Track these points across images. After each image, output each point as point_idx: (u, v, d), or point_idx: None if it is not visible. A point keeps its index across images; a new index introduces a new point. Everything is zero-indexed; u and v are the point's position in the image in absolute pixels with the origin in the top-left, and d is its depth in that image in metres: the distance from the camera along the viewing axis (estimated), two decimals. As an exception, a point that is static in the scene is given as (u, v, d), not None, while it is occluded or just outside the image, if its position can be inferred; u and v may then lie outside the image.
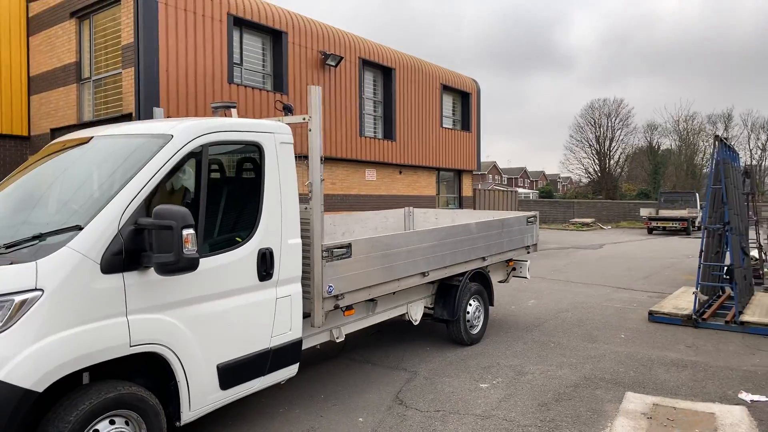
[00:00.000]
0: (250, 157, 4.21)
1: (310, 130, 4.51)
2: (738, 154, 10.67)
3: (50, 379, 2.96)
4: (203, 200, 3.71)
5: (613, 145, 63.67)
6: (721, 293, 9.11)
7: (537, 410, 4.71)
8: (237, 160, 4.28)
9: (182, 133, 3.70)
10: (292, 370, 4.40)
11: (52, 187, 4.02)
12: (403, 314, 6.13)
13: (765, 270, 10.88)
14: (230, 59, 12.83)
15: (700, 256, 7.84)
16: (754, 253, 12.59)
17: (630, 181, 63.86)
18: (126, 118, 11.69)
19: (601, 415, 4.62)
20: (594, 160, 64.56)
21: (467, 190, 22.09)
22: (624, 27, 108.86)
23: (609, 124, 63.11)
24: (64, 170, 4.08)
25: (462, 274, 6.48)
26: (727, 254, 8.42)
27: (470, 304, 6.71)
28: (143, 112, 11.25)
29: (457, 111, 21.60)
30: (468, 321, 6.65)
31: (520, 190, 65.34)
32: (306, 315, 4.54)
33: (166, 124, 3.94)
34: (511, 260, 7.64)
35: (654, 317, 8.01)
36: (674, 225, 29.10)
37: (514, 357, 6.22)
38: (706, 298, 7.96)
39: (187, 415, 3.63)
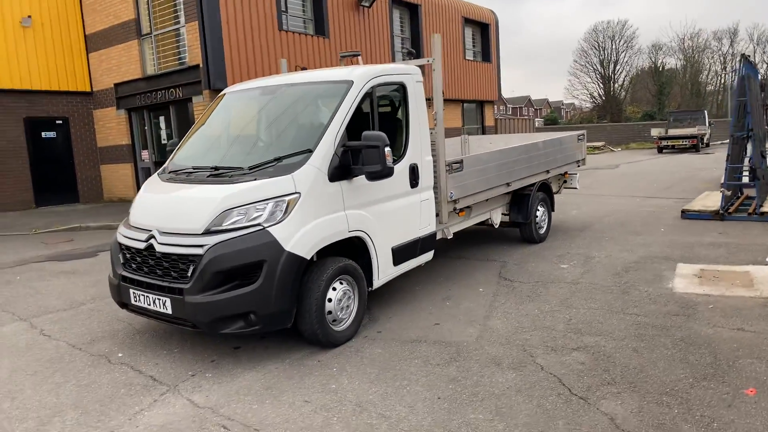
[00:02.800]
0: (398, 93, 5.46)
1: (434, 70, 5.75)
2: (758, 71, 11.74)
3: (312, 252, 4.37)
4: (376, 128, 5.01)
5: (618, 68, 63.74)
6: (740, 194, 10.49)
7: (613, 277, 6.18)
8: (390, 97, 5.53)
9: (359, 78, 4.95)
10: (430, 254, 5.83)
11: (262, 126, 5.30)
12: (487, 219, 7.52)
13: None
14: (278, 7, 13.68)
15: (727, 160, 9.16)
16: None
17: (634, 103, 64.32)
18: (193, 70, 12.72)
19: (662, 277, 6.08)
20: (599, 85, 64.81)
21: (489, 120, 23.15)
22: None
23: (613, 47, 62.92)
24: (268, 112, 5.35)
25: (532, 185, 7.84)
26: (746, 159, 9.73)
27: (538, 210, 8.09)
28: (212, 64, 12.26)
29: (477, 42, 22.32)
30: (537, 223, 8.06)
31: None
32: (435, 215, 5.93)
33: (342, 71, 5.18)
34: (566, 173, 8.98)
35: (686, 215, 9.43)
36: (684, 143, 29.96)
37: (579, 248, 7.68)
38: (729, 194, 9.33)
39: (376, 282, 5.08)
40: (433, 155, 5.80)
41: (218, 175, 4.70)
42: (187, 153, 5.50)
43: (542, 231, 8.21)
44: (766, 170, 9.55)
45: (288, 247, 4.20)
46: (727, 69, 63.85)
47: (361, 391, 3.85)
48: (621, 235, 8.41)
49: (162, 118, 14.17)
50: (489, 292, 5.90)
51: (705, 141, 30.58)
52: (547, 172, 8.14)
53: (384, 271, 5.14)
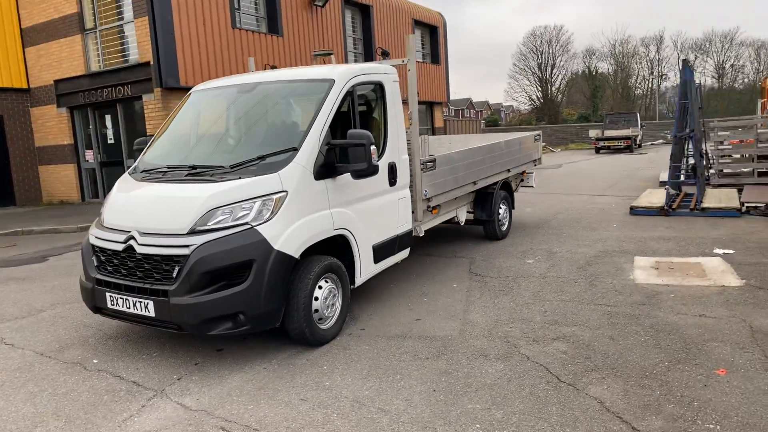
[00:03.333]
0: (376, 93, 5.50)
1: (409, 70, 5.85)
2: (694, 75, 12.55)
3: (300, 250, 4.35)
4: (357, 127, 5.05)
5: (555, 71, 66.30)
6: (679, 191, 11.17)
7: (577, 271, 6.46)
8: (369, 96, 5.56)
9: (340, 77, 4.97)
10: (407, 252, 5.91)
11: (241, 124, 5.22)
12: (453, 217, 7.69)
13: (710, 171, 13.07)
14: (231, 4, 13.44)
15: (671, 159, 9.73)
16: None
17: (570, 106, 66.99)
18: (143, 67, 12.31)
19: (623, 270, 6.41)
20: (537, 87, 67.16)
21: (439, 121, 23.54)
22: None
23: (550, 51, 65.43)
24: (246, 111, 5.27)
25: (495, 184, 8.07)
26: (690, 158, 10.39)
27: (501, 207, 8.34)
28: (163, 61, 11.91)
29: (426, 44, 22.65)
30: (500, 221, 8.30)
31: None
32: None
33: (322, 70, 5.18)
34: (524, 171, 9.29)
35: (634, 211, 9.96)
36: (619, 144, 31.44)
37: (540, 244, 7.97)
38: (673, 192, 9.93)
39: (358, 280, 5.11)
40: (408, 154, 5.88)
41: (197, 174, 4.60)
42: (159, 152, 5.35)
43: (504, 228, 8.46)
44: (704, 168, 10.22)
45: (277, 246, 4.18)
46: (654, 74, 67.68)
47: (356, 387, 3.88)
48: (577, 231, 8.79)
49: (108, 117, 13.62)
50: (463, 288, 6.04)
51: (638, 142, 32.27)
52: (509, 170, 8.40)
53: (366, 268, 5.18)
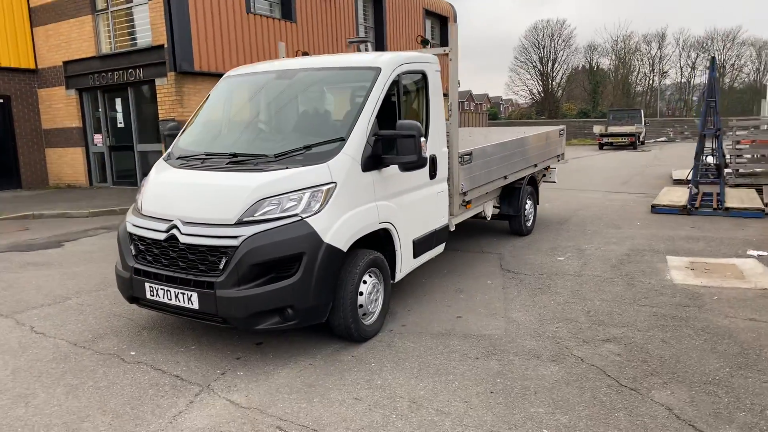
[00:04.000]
0: (419, 83, 5.35)
1: (450, 60, 5.68)
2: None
3: (349, 244, 4.21)
4: (401, 117, 4.89)
5: (556, 66, 66.08)
6: (697, 190, 11.09)
7: (611, 270, 6.36)
8: (413, 86, 5.40)
9: (386, 65, 4.81)
10: (442, 247, 5.78)
11: (283, 112, 5.05)
12: (481, 211, 7.56)
13: (727, 171, 12.99)
14: (246, -12, 13.17)
15: (696, 158, 9.63)
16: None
17: (570, 100, 66.81)
18: (156, 50, 12.08)
19: (658, 269, 6.31)
20: (538, 81, 66.93)
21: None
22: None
23: (552, 45, 65.19)
24: (287, 98, 5.10)
25: (523, 178, 7.94)
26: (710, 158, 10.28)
27: (527, 203, 8.22)
28: (178, 44, 11.69)
29: (436, 35, 22.42)
30: (525, 216, 8.18)
31: (470, 112, 66.82)
32: (446, 207, 5.87)
33: (366, 57, 5.02)
34: (548, 166, 9.16)
35: (656, 209, 9.86)
36: (623, 140, 31.30)
37: (567, 240, 7.86)
38: (696, 191, 9.83)
39: (398, 275, 4.97)
40: (447, 147, 5.74)
41: (240, 162, 4.44)
42: (195, 138, 5.19)
43: (529, 224, 8.34)
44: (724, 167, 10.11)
45: (326, 239, 4.04)
46: (655, 71, 67.62)
47: (409, 386, 3.76)
48: (601, 228, 8.68)
49: (119, 101, 13.38)
50: (497, 285, 5.93)
51: (641, 139, 32.19)
52: (536, 165, 8.27)
53: (406, 263, 5.05)
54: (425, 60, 5.33)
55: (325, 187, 4.13)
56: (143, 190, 4.68)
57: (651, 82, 69.36)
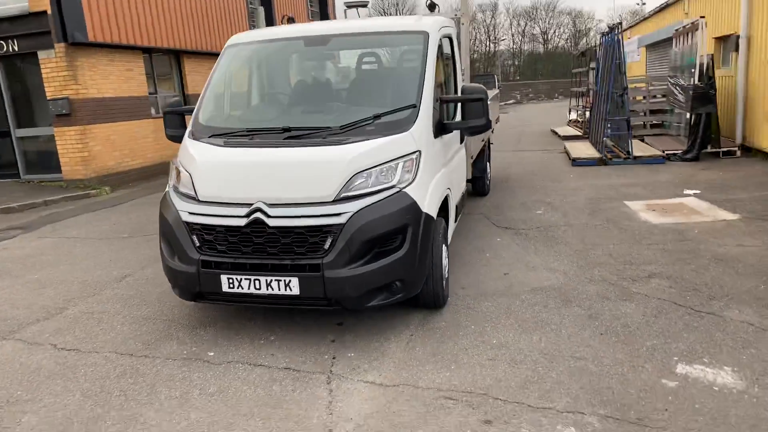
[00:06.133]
0: (449, 46, 5.32)
1: (462, 24, 5.73)
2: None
3: (437, 211, 4.19)
4: (447, 81, 4.89)
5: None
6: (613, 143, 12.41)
7: (591, 217, 7.00)
8: (446, 49, 5.33)
9: (432, 29, 4.73)
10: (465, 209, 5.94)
11: (328, 81, 4.73)
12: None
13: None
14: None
15: (607, 114, 10.78)
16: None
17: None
18: (36, 17, 10.44)
19: (629, 214, 7.07)
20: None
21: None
22: None
23: (398, 13, 67.00)
24: (331, 66, 4.79)
25: (488, 139, 8.31)
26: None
27: (488, 163, 8.63)
28: (66, 9, 10.19)
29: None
30: (487, 176, 8.60)
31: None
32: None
33: (407, 21, 4.90)
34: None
35: (576, 162, 10.92)
36: (483, 103, 33.44)
37: (527, 196, 8.43)
38: (611, 144, 11.04)
39: (449, 239, 5.05)
40: (458, 111, 5.83)
41: (301, 137, 4.13)
42: (221, 114, 4.72)
43: (488, 183, 8.80)
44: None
45: (424, 208, 3.98)
46: (491, 39, 72.87)
47: (527, 341, 3.92)
48: (544, 182, 9.43)
49: (-15, 78, 11.28)
50: (509, 241, 6.24)
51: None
52: (496, 122, 8.69)
53: (452, 227, 5.13)
54: (451, 24, 5.34)
55: (413, 156, 4.04)
56: (191, 175, 4.14)
57: (488, 48, 74.58)
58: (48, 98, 10.63)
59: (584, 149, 11.91)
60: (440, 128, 4.50)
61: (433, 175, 4.26)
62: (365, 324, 4.32)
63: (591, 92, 14.36)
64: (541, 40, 78.78)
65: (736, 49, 10.88)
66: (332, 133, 4.12)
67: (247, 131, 4.33)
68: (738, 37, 10.76)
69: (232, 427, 3.13)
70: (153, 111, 12.87)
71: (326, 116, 4.46)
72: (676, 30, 12.68)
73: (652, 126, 13.69)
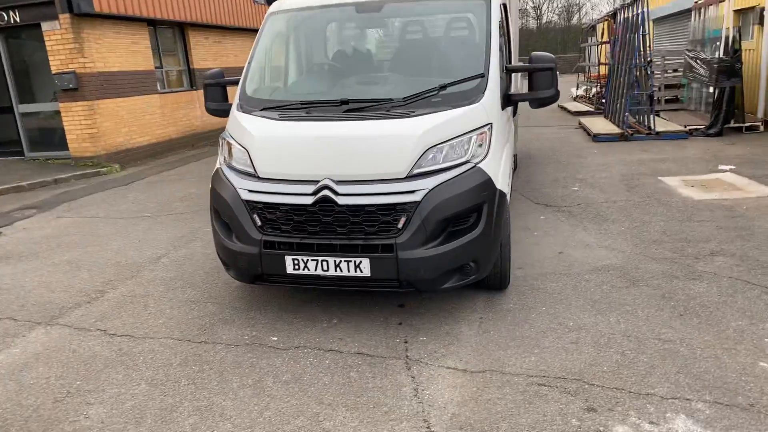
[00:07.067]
0: (502, 13, 5.05)
1: (511, -8, 5.45)
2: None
3: (508, 187, 3.99)
4: (505, 46, 4.64)
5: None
6: (635, 119, 12.26)
7: (631, 193, 6.84)
8: (502, 18, 5.07)
9: (492, -6, 4.48)
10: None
11: (383, 50, 4.47)
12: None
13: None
14: None
15: (630, 88, 10.57)
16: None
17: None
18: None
19: (668, 190, 6.92)
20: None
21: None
22: None
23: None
24: (384, 34, 4.52)
25: (514, 115, 8.08)
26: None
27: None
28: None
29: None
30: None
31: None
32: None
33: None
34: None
35: (597, 138, 10.74)
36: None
37: (557, 172, 8.26)
38: (633, 120, 10.85)
39: (505, 218, 4.86)
40: (504, 84, 5.60)
41: (361, 110, 3.88)
42: (272, 85, 4.46)
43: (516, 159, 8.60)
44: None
45: (498, 185, 3.78)
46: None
47: (604, 323, 3.76)
48: (569, 158, 9.26)
49: (-16, 51, 10.80)
50: (553, 218, 6.08)
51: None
52: (520, 102, 8.46)
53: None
54: (503, -9, 5.07)
55: (486, 129, 3.82)
56: (252, 150, 3.87)
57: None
58: (53, 72, 10.20)
59: (603, 124, 11.72)
60: (508, 99, 4.27)
61: (503, 150, 4.06)
62: (427, 306, 4.14)
63: (607, 66, 14.10)
64: (533, 15, 78.11)
65: (760, 22, 10.67)
66: (395, 105, 3.88)
67: (302, 104, 4.08)
68: (762, 9, 10.54)
69: (319, 417, 2.95)
70: (159, 86, 12.48)
71: (385, 87, 4.20)
72: (696, 2, 12.42)
73: (667, 101, 13.52)
